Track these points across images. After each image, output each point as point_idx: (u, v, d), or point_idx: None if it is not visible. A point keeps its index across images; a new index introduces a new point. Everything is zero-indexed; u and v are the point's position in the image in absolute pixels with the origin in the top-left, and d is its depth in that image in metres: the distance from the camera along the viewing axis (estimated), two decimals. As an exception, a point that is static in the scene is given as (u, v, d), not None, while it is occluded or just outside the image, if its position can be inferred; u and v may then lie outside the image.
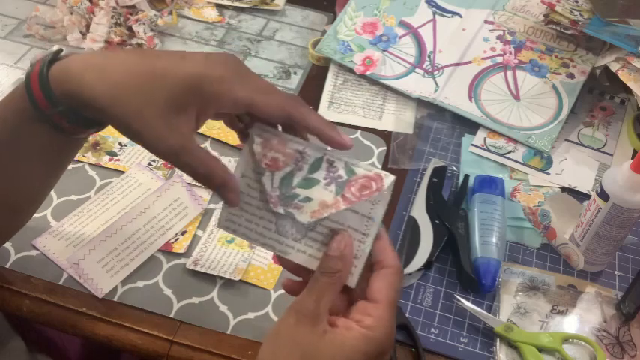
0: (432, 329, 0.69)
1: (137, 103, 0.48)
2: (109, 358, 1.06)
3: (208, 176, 0.50)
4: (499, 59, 0.96)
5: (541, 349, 0.67)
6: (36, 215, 0.75)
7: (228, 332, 0.67)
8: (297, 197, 0.50)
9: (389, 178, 0.48)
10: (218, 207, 0.77)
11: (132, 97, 0.48)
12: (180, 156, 0.49)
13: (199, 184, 0.56)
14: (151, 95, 0.48)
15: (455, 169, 0.85)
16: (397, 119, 0.91)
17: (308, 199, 0.50)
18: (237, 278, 0.70)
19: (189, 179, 0.78)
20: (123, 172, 0.80)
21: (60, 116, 0.52)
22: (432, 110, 0.92)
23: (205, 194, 0.79)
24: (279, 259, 0.52)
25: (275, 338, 0.48)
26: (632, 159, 0.66)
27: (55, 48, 0.55)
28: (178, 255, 0.73)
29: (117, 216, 0.74)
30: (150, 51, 0.54)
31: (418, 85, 0.93)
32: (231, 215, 0.53)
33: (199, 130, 0.87)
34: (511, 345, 0.68)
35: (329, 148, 0.50)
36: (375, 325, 0.47)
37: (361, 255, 0.49)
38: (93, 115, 0.51)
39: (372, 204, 0.49)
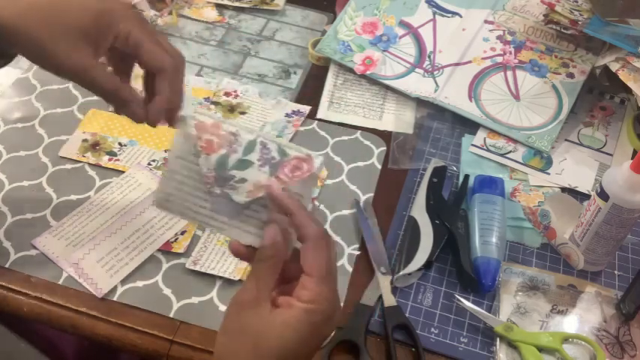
0: (432, 329, 0.69)
1: (50, 27, 0.53)
2: (107, 358, 1.06)
3: (115, 91, 0.56)
4: (499, 59, 0.96)
5: (541, 349, 0.67)
6: (35, 215, 0.75)
7: (228, 332, 0.67)
8: (232, 178, 0.52)
9: (318, 159, 0.52)
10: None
11: (45, 21, 0.53)
12: (88, 72, 0.55)
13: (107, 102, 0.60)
14: (63, 21, 0.53)
15: (455, 169, 0.85)
16: (397, 119, 0.91)
17: (243, 180, 0.52)
18: (236, 278, 0.70)
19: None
20: (122, 172, 0.80)
21: None
22: (432, 110, 0.92)
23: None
24: (231, 248, 0.53)
25: (225, 332, 0.50)
26: (632, 159, 0.66)
27: None
28: (178, 255, 0.73)
29: (116, 216, 0.74)
30: None
31: (418, 85, 0.93)
32: (168, 195, 0.54)
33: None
34: (511, 345, 0.68)
35: (263, 131, 0.53)
36: (313, 298, 0.48)
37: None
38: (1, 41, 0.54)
39: (302, 183, 0.51)
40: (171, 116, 0.56)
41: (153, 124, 0.57)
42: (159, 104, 0.56)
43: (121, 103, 0.57)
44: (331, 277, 0.50)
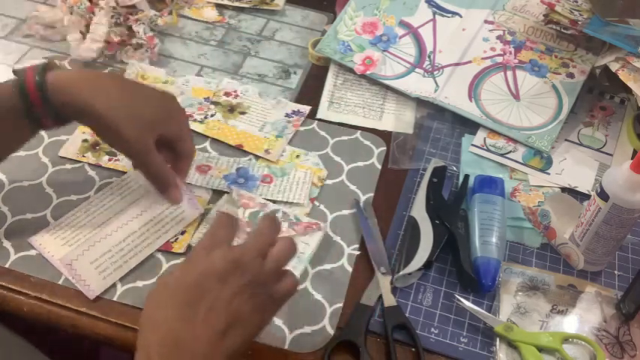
0: (432, 329, 0.69)
1: (132, 120, 0.67)
2: (107, 358, 1.06)
3: (164, 175, 0.72)
4: (499, 59, 0.96)
5: (541, 349, 0.67)
6: (35, 215, 0.75)
7: (228, 332, 0.67)
8: None
9: (326, 224, 0.77)
10: (215, 207, 0.77)
11: (129, 116, 0.67)
12: (149, 155, 0.69)
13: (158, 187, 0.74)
14: (143, 115, 0.68)
15: (455, 169, 0.85)
16: (397, 119, 0.91)
17: None
18: (237, 278, 0.71)
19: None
20: (122, 172, 0.80)
21: (47, 115, 0.67)
22: (432, 110, 0.92)
23: (205, 194, 0.79)
24: None
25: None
26: (632, 159, 0.66)
27: (43, 60, 0.74)
28: (178, 255, 0.73)
29: (114, 217, 0.74)
30: (126, 78, 0.82)
31: (418, 85, 0.93)
32: None
33: (199, 130, 0.87)
34: (511, 345, 0.68)
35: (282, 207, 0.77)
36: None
37: None
38: (79, 118, 0.69)
39: (310, 234, 0.75)
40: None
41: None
42: (182, 181, 0.75)
43: (165, 186, 0.72)
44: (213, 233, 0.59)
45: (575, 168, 0.86)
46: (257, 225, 0.59)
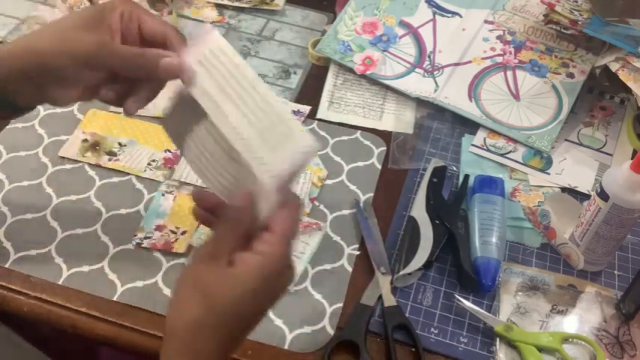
0: (432, 329, 0.69)
1: (58, 31, 0.56)
2: (106, 357, 1.06)
3: (142, 53, 0.57)
4: (499, 59, 0.96)
5: (541, 349, 0.67)
6: (35, 215, 0.75)
7: (228, 332, 0.67)
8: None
9: (326, 224, 0.75)
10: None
11: (53, 32, 0.57)
12: (105, 45, 0.56)
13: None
14: (68, 21, 0.57)
15: (455, 168, 0.85)
16: (397, 119, 0.91)
17: None
18: (237, 278, 0.71)
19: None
20: (123, 172, 0.80)
21: None
22: (431, 110, 0.92)
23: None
24: (194, 194, 0.57)
25: (179, 283, 0.51)
26: (632, 159, 0.66)
27: None
28: (178, 255, 0.73)
29: None
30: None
31: (418, 85, 0.93)
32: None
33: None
34: (511, 345, 0.68)
35: None
36: (269, 253, 0.49)
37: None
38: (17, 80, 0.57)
39: (310, 232, 0.72)
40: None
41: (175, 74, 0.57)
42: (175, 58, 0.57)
43: (154, 63, 0.56)
44: (291, 242, 0.51)
45: (575, 168, 0.86)
46: (287, 222, 0.51)
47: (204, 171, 0.57)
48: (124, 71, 0.57)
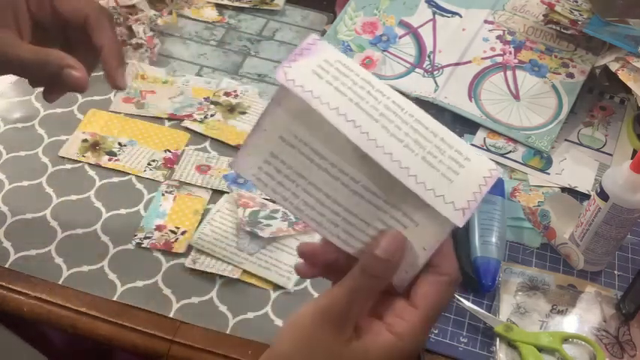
0: (432, 329, 0.69)
1: None
2: (107, 358, 1.06)
3: (46, 58, 0.49)
4: (499, 59, 0.96)
5: (541, 349, 0.67)
6: (35, 215, 0.75)
7: (228, 332, 0.67)
8: (261, 223, 0.74)
9: None
10: (216, 207, 0.77)
11: None
12: (7, 51, 0.49)
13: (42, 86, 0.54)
14: None
15: (455, 168, 0.85)
16: (397, 119, 0.91)
17: (269, 225, 0.74)
18: (236, 276, 0.70)
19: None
20: (122, 172, 0.80)
21: None
22: (431, 110, 0.92)
23: (205, 194, 0.79)
24: (302, 254, 0.46)
25: (295, 333, 0.43)
26: (631, 159, 0.66)
27: None
28: (178, 255, 0.73)
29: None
30: None
31: (418, 85, 0.93)
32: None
33: (199, 130, 0.87)
34: (511, 345, 0.68)
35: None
36: (405, 333, 0.42)
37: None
38: None
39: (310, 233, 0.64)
40: (115, 74, 0.51)
41: (116, 83, 0.51)
42: (109, 53, 0.50)
43: (56, 72, 0.49)
44: (433, 321, 0.44)
45: (575, 168, 0.86)
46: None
47: (320, 217, 0.43)
48: (27, 76, 0.52)
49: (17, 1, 0.49)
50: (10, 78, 0.91)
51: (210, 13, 1.05)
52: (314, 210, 0.43)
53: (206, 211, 0.77)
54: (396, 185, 0.41)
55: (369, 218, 0.42)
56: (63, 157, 0.82)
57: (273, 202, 0.78)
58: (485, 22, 1.00)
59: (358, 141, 0.40)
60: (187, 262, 0.72)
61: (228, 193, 0.79)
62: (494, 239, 0.73)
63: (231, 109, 0.90)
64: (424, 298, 0.42)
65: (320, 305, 0.42)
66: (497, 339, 0.68)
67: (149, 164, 0.82)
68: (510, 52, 0.96)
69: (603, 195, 0.67)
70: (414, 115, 0.42)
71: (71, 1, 0.51)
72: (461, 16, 1.01)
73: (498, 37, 0.98)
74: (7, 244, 0.72)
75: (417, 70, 0.95)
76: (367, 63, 0.95)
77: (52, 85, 0.51)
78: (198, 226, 0.75)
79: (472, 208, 0.41)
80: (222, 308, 0.69)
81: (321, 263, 0.45)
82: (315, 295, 0.71)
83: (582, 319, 0.70)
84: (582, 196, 0.82)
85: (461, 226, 0.41)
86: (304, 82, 0.40)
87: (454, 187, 0.41)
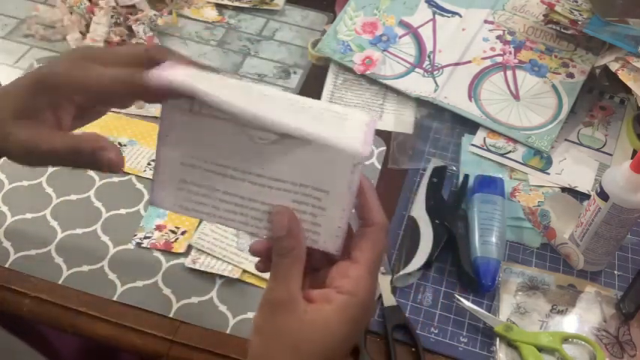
0: (432, 329, 0.69)
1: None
2: (107, 358, 1.06)
3: (75, 148, 0.47)
4: (499, 59, 0.96)
5: (541, 349, 0.67)
6: (35, 215, 0.75)
7: (228, 332, 0.67)
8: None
9: None
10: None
11: None
12: (34, 150, 0.49)
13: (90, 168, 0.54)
14: (3, 112, 0.49)
15: (455, 168, 0.85)
16: (397, 119, 0.91)
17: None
18: (235, 276, 0.71)
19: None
20: (122, 172, 0.80)
21: None
22: (431, 110, 0.92)
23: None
24: (251, 249, 0.48)
25: (260, 333, 0.45)
26: (631, 158, 0.66)
27: None
28: (178, 255, 0.73)
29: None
30: None
31: (418, 84, 0.93)
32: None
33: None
34: (511, 345, 0.68)
35: None
36: (355, 289, 0.44)
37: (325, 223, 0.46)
38: None
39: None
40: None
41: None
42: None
43: (90, 156, 0.47)
44: (377, 269, 0.47)
45: (574, 168, 0.86)
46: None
47: (245, 218, 0.46)
48: (65, 165, 0.50)
49: (60, 100, 0.48)
50: (10, 78, 0.91)
51: (210, 13, 1.05)
52: (237, 214, 0.46)
53: (206, 211, 0.77)
54: (298, 162, 0.44)
55: (286, 204, 0.45)
56: (63, 157, 0.82)
57: None
58: (485, 22, 1.00)
59: (244, 113, 0.42)
60: (187, 262, 0.72)
61: None
62: (494, 239, 0.73)
63: (231, 109, 0.89)
64: (361, 251, 0.45)
65: (266, 299, 0.45)
66: (497, 339, 0.68)
67: (149, 164, 0.82)
68: (510, 52, 0.96)
69: (603, 195, 0.67)
70: (291, 99, 0.46)
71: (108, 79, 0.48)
72: (461, 16, 1.01)
73: (498, 37, 0.98)
74: (7, 244, 0.72)
75: (417, 70, 0.95)
76: (367, 63, 0.95)
77: (91, 166, 0.50)
78: (198, 226, 0.75)
79: (367, 139, 0.43)
80: (222, 308, 0.69)
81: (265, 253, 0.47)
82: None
83: (582, 319, 0.70)
84: (582, 196, 0.82)
85: (362, 152, 0.42)
86: (183, 80, 0.43)
87: (342, 129, 0.44)
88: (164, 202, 0.47)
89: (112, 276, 0.71)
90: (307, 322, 0.44)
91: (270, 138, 0.44)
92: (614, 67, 0.86)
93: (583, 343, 0.68)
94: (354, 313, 0.44)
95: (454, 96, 0.92)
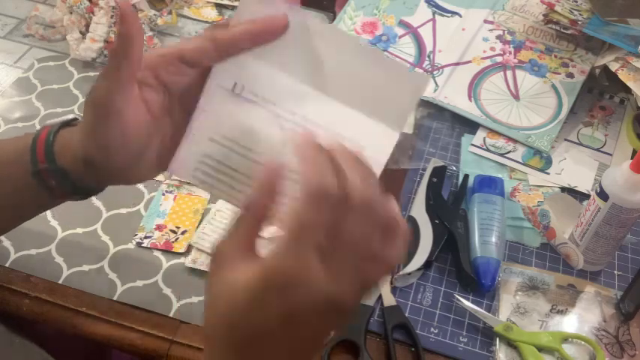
0: (432, 329, 0.69)
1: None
2: (107, 358, 1.06)
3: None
4: (499, 59, 0.96)
5: (541, 349, 0.67)
6: (36, 215, 0.75)
7: (228, 332, 0.67)
8: None
9: None
10: (216, 207, 0.77)
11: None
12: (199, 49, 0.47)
13: None
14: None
15: (454, 168, 0.85)
16: (397, 119, 0.91)
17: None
18: (236, 278, 0.71)
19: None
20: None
21: (52, 176, 0.52)
22: (431, 110, 0.92)
23: (205, 194, 0.79)
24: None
25: (206, 287, 0.43)
26: (631, 158, 0.66)
27: (71, 117, 0.55)
28: (178, 255, 0.73)
29: None
30: None
31: (418, 84, 0.93)
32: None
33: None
34: (510, 345, 0.68)
35: None
36: (274, 255, 0.39)
37: None
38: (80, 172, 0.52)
39: None
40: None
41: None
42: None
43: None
44: (304, 238, 0.38)
45: (574, 168, 0.86)
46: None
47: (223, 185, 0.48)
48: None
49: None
50: (10, 78, 0.92)
51: (210, 13, 1.05)
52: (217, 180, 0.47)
53: (206, 211, 0.77)
54: None
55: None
56: (63, 157, 0.82)
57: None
58: (485, 21, 1.00)
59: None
60: (187, 261, 0.72)
61: None
62: (493, 239, 0.73)
63: (231, 109, 0.89)
64: (287, 215, 0.40)
65: (216, 247, 0.42)
66: (497, 339, 0.68)
67: (149, 164, 0.81)
68: (510, 52, 0.96)
69: (603, 195, 0.67)
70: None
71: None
72: (461, 16, 1.01)
73: (498, 37, 0.98)
74: (7, 244, 0.72)
75: (417, 69, 0.95)
76: (367, 63, 0.95)
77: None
78: (198, 226, 0.75)
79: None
80: (222, 308, 0.69)
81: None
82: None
83: (582, 318, 0.70)
84: (582, 196, 0.82)
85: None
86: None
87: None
88: (181, 170, 0.48)
89: (112, 276, 0.71)
90: (220, 280, 0.41)
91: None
92: (613, 66, 0.86)
93: (583, 343, 0.68)
94: (269, 279, 0.38)
95: (454, 96, 0.92)
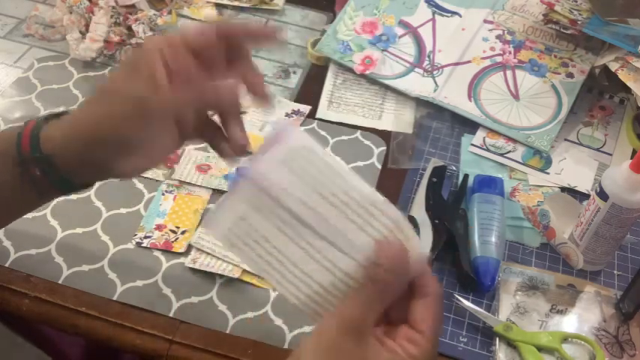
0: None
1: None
2: (108, 358, 1.06)
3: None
4: (498, 59, 0.96)
5: (540, 349, 0.67)
6: (35, 214, 0.75)
7: (228, 332, 0.67)
8: None
9: None
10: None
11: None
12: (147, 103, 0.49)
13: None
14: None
15: (454, 168, 0.85)
16: (396, 119, 0.91)
17: None
18: (236, 276, 0.71)
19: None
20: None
21: (34, 163, 0.52)
22: (431, 110, 0.92)
23: (205, 194, 0.79)
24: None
25: (318, 345, 0.45)
26: (631, 158, 0.66)
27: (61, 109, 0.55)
28: (178, 255, 0.73)
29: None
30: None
31: (417, 84, 0.93)
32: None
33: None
34: (510, 344, 0.68)
35: None
36: (419, 357, 0.45)
37: None
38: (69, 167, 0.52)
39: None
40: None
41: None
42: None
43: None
44: (439, 335, 0.47)
45: (574, 167, 0.86)
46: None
47: (280, 277, 0.49)
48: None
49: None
50: (10, 78, 0.92)
51: (210, 13, 1.05)
52: (275, 270, 0.48)
53: (206, 211, 0.77)
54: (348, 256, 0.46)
55: (327, 284, 0.47)
56: (63, 157, 0.82)
57: None
58: (485, 21, 1.00)
59: (318, 226, 0.47)
60: (187, 261, 0.72)
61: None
62: (493, 239, 0.73)
63: (231, 109, 0.89)
64: (424, 322, 0.46)
65: (339, 314, 0.45)
66: (497, 339, 0.68)
67: (149, 164, 0.81)
68: (510, 52, 0.96)
69: (603, 195, 0.67)
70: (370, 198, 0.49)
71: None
72: (460, 16, 1.01)
73: (498, 37, 0.98)
74: (7, 244, 0.72)
75: (417, 69, 0.95)
76: (367, 63, 0.95)
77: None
78: (198, 226, 0.75)
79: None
80: (222, 308, 0.69)
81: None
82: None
83: (582, 318, 0.70)
84: (582, 196, 0.82)
85: None
86: (271, 174, 0.47)
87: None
88: (217, 228, 0.49)
89: (112, 276, 0.71)
90: (373, 356, 0.44)
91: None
92: (613, 66, 0.86)
93: (582, 342, 0.68)
94: None
95: (454, 96, 0.92)
